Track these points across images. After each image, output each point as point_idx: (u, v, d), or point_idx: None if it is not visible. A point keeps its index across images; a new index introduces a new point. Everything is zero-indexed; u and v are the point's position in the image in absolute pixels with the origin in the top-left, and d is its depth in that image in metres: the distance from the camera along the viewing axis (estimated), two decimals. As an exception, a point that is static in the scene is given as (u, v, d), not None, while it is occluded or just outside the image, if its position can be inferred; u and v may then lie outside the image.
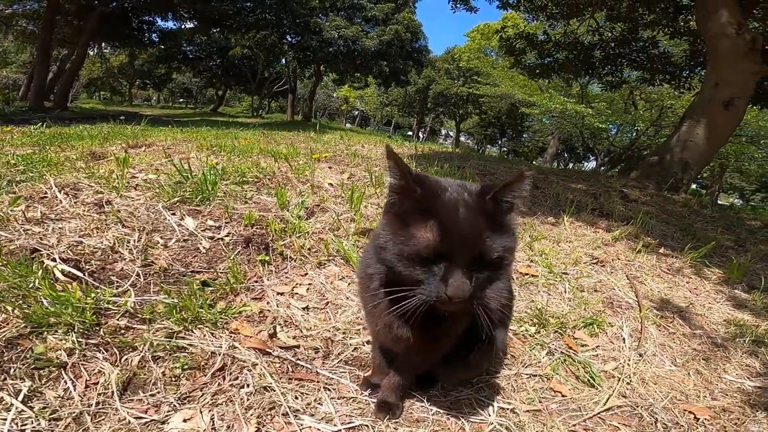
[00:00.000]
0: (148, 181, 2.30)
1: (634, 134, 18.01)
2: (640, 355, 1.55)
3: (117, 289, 1.29)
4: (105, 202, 1.75)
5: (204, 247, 1.60)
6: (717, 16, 4.95)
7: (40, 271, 1.18)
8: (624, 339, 1.64)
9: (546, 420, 1.16)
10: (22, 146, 3.58)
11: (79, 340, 1.08)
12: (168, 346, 1.15)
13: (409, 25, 20.57)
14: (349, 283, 1.64)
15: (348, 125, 36.89)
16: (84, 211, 1.67)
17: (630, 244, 2.62)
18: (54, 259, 1.27)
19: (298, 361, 1.26)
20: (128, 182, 2.23)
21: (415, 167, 3.68)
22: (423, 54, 22.93)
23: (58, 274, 1.22)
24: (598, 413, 1.23)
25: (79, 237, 1.45)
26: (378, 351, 1.16)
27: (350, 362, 1.31)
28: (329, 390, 1.16)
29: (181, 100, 47.76)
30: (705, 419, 1.28)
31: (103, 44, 23.52)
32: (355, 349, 1.36)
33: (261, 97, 31.93)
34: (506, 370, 1.35)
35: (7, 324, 1.02)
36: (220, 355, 1.18)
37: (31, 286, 1.12)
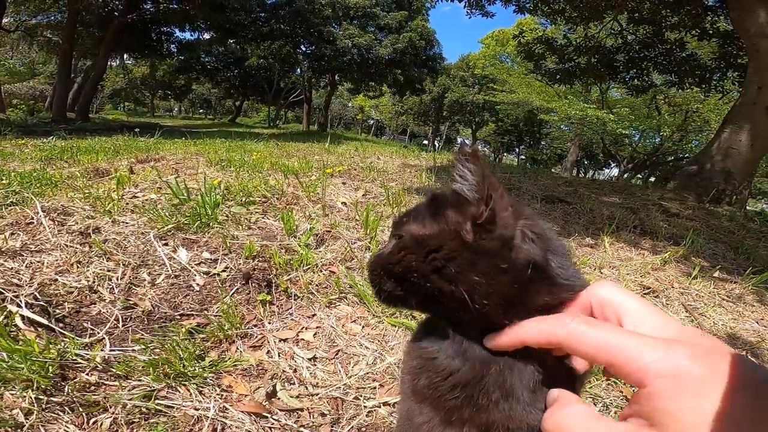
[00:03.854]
0: (147, 201, 2.14)
1: (659, 140, 17.31)
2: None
3: (89, 337, 1.09)
4: (93, 230, 1.58)
5: (197, 284, 1.40)
6: (755, 14, 4.59)
7: (0, 318, 0.99)
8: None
9: None
10: (30, 161, 3.51)
11: (40, 397, 0.90)
12: (145, 409, 0.94)
13: (423, 33, 20.44)
14: (363, 326, 1.42)
15: (363, 135, 36.92)
16: (68, 240, 1.49)
17: (682, 268, 2.32)
18: (19, 305, 1.09)
19: (302, 428, 1.03)
20: (126, 203, 2.06)
21: (435, 182, 3.44)
22: (437, 61, 22.75)
23: (19, 322, 1.03)
24: None
25: (56, 273, 1.27)
26: None
27: (364, 430, 1.08)
28: (337, 472, 0.93)
29: (201, 110, 48.77)
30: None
31: (125, 55, 24.12)
32: (370, 413, 1.12)
33: (278, 107, 32.23)
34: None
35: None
36: (207, 419, 0.98)
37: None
